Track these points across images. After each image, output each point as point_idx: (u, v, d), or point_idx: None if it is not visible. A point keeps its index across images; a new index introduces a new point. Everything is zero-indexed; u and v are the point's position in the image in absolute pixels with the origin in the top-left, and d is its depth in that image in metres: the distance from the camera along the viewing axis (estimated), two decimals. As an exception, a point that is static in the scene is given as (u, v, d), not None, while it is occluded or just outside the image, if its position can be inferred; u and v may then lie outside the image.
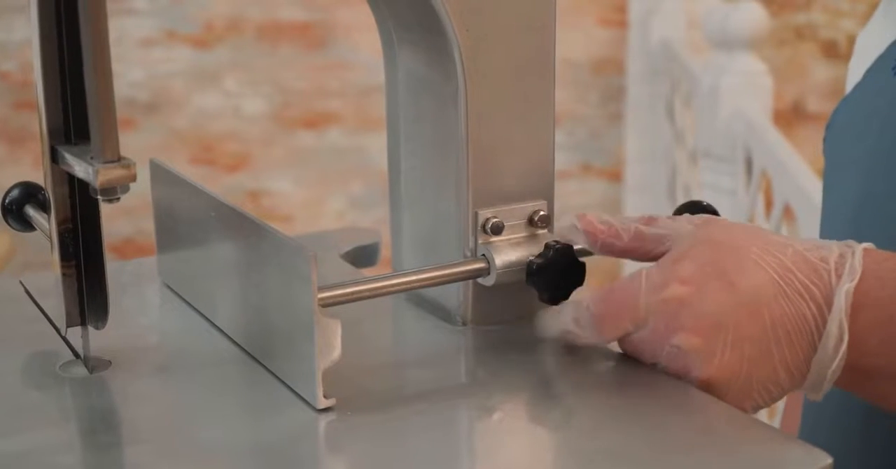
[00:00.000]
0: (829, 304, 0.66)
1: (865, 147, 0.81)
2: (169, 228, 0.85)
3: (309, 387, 0.66)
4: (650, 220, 0.71)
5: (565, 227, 0.73)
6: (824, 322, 0.66)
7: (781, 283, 0.66)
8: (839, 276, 0.66)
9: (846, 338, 0.65)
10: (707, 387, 0.67)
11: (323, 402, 0.65)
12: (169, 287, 0.86)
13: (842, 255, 0.66)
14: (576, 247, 0.73)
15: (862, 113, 0.83)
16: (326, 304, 0.67)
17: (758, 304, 0.66)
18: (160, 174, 0.84)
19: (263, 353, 0.72)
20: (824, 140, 0.88)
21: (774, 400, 0.69)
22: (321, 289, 0.66)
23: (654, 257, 0.70)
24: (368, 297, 0.71)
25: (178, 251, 0.84)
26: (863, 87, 0.84)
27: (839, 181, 0.85)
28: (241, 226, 0.72)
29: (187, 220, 0.81)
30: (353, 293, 0.70)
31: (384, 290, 0.72)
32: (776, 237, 0.68)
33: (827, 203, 0.86)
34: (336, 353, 0.65)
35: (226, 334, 0.77)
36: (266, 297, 0.70)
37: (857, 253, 0.66)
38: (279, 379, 0.69)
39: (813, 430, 0.85)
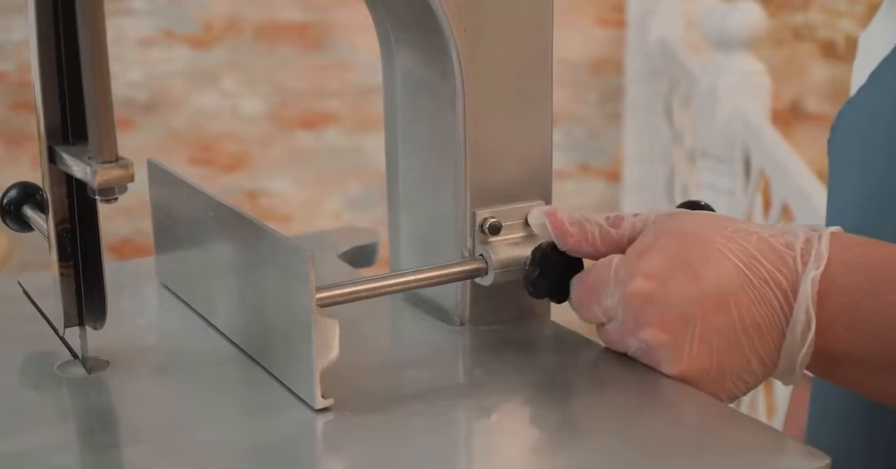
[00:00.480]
0: (796, 292, 0.65)
1: (872, 149, 0.81)
2: (167, 229, 0.84)
3: (307, 387, 0.66)
4: (616, 220, 0.71)
5: (537, 225, 0.74)
6: (791, 310, 0.66)
7: (747, 271, 0.66)
8: (805, 263, 0.66)
9: (813, 325, 0.65)
10: (679, 381, 0.67)
11: (321, 403, 0.65)
12: (167, 287, 0.86)
13: (808, 241, 0.66)
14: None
15: (867, 115, 0.83)
16: (324, 304, 0.67)
17: (724, 295, 0.66)
18: (158, 174, 0.84)
19: (261, 354, 0.72)
20: (829, 142, 0.88)
21: (750, 388, 0.69)
22: (319, 289, 0.66)
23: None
24: (366, 297, 0.71)
25: (176, 251, 0.84)
26: (867, 89, 0.84)
27: (844, 182, 0.85)
28: (238, 226, 0.72)
29: (185, 220, 0.81)
30: (350, 293, 0.70)
31: (382, 290, 0.72)
32: (742, 224, 0.68)
33: (832, 204, 0.86)
34: (334, 353, 0.65)
35: (224, 334, 0.77)
36: (264, 298, 0.70)
37: (824, 238, 0.66)
38: (277, 379, 0.69)
39: (817, 432, 0.85)
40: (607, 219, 0.71)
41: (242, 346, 0.74)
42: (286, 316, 0.67)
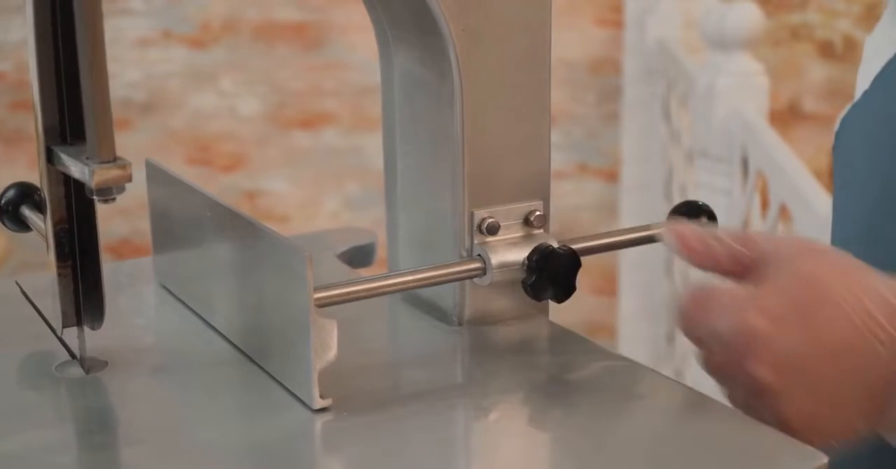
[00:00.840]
0: None
1: (877, 154, 0.81)
2: (165, 229, 0.84)
3: (305, 387, 0.66)
4: (746, 241, 0.70)
5: (667, 241, 0.72)
6: None
7: (862, 328, 0.64)
8: None
9: None
10: (784, 428, 0.65)
11: (319, 403, 0.65)
12: (165, 288, 0.86)
13: None
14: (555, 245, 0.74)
15: (873, 119, 0.83)
16: (323, 305, 0.67)
17: (834, 349, 0.64)
18: (156, 174, 0.84)
19: (260, 354, 0.72)
20: (833, 148, 0.88)
21: (849, 444, 0.67)
22: (317, 289, 0.66)
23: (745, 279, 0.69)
24: (365, 297, 0.71)
25: (174, 252, 0.84)
26: (871, 94, 0.84)
27: (850, 187, 0.85)
28: (236, 226, 0.72)
29: (183, 220, 0.81)
30: (348, 293, 0.69)
31: (380, 291, 0.72)
32: (865, 276, 0.67)
33: (837, 210, 0.86)
34: (332, 353, 0.65)
35: (222, 335, 0.77)
36: (262, 298, 0.70)
37: None
38: (276, 379, 0.69)
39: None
40: (736, 237, 0.70)
41: (241, 346, 0.74)
42: (284, 316, 0.67)
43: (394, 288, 0.72)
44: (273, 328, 0.69)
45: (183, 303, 0.83)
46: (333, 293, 0.69)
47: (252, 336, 0.73)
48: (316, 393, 0.65)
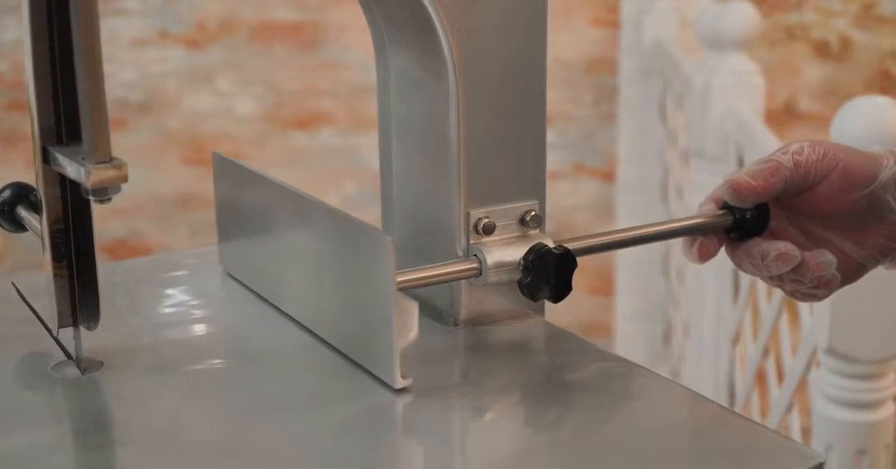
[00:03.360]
0: None
1: None
2: (232, 219, 0.86)
3: (386, 367, 0.68)
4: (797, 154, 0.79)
5: (731, 196, 0.79)
6: None
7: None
8: None
9: None
10: None
11: (401, 382, 0.67)
12: (231, 276, 0.87)
13: None
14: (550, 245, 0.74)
15: None
16: (403, 287, 0.69)
17: None
18: (223, 165, 0.85)
19: (336, 338, 0.73)
20: None
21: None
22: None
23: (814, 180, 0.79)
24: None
25: (241, 240, 0.85)
26: None
27: None
28: (313, 213, 0.73)
29: (252, 209, 0.82)
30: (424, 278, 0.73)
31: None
32: None
33: None
34: (413, 333, 0.67)
35: (293, 320, 0.78)
36: (341, 282, 0.72)
37: None
38: (353, 362, 0.71)
39: None
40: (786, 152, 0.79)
41: (315, 330, 0.75)
42: (365, 299, 0.69)
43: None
44: (352, 311, 0.70)
45: (250, 290, 0.84)
46: (411, 277, 0.71)
47: (328, 320, 0.74)
48: (398, 372, 0.67)
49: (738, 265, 0.80)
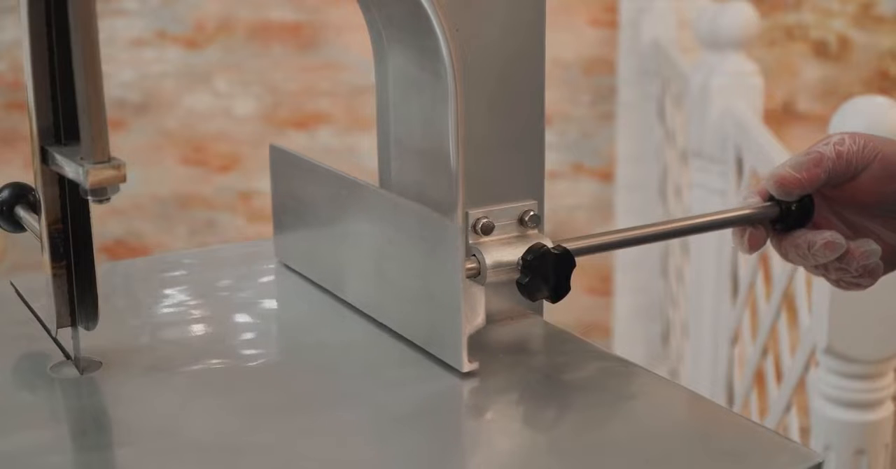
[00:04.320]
0: None
1: None
2: (288, 209, 0.87)
3: (454, 352, 0.69)
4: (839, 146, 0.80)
5: (777, 190, 0.81)
6: None
7: None
8: None
9: None
10: None
11: (468, 366, 0.69)
12: (287, 266, 0.88)
13: None
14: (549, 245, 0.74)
15: None
16: (470, 275, 0.70)
17: None
18: (280, 156, 0.87)
19: (401, 324, 0.75)
20: None
21: None
22: None
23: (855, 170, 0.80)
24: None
25: (299, 231, 0.86)
26: None
27: None
28: (377, 203, 0.74)
29: (310, 199, 0.83)
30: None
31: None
32: None
33: None
34: (480, 318, 0.69)
35: (354, 308, 0.79)
36: (406, 270, 0.73)
37: None
38: (417, 346, 0.72)
39: None
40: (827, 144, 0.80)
41: (378, 318, 0.77)
42: (432, 285, 0.70)
43: (389, 288, 0.72)
44: (418, 298, 0.71)
45: (307, 279, 0.85)
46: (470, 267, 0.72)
47: (392, 307, 0.75)
48: (465, 357, 0.68)
49: (784, 255, 0.83)
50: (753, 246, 0.82)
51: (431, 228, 0.70)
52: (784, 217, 0.82)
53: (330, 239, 0.81)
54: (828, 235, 0.80)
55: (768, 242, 0.83)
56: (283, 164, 0.87)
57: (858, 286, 0.83)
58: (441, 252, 0.69)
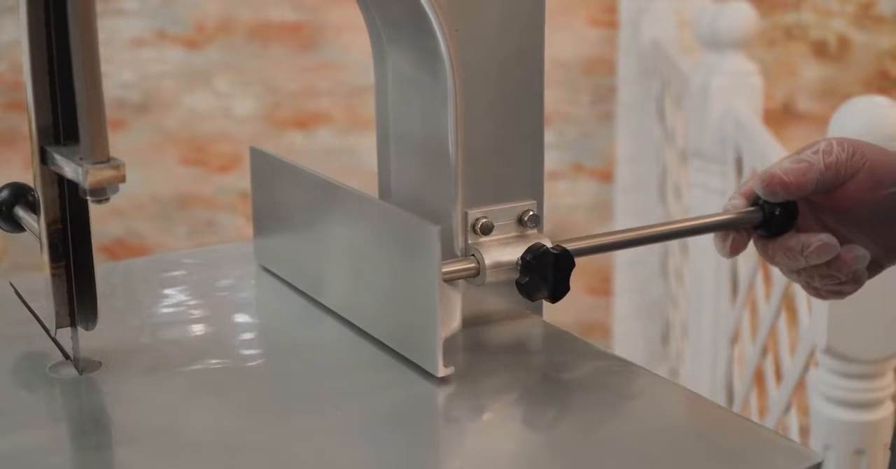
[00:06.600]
0: None
1: None
2: (267, 212, 0.87)
3: (429, 356, 0.68)
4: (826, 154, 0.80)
5: (763, 190, 0.80)
6: None
7: None
8: None
9: None
10: None
11: (443, 371, 0.68)
12: (266, 269, 0.87)
13: None
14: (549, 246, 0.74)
15: None
16: (448, 279, 0.70)
17: None
18: (259, 159, 0.86)
19: (377, 327, 0.74)
20: None
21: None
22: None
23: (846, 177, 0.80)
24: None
25: (278, 234, 0.86)
26: None
27: None
28: (355, 205, 0.74)
29: (289, 202, 0.83)
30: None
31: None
32: None
33: None
34: (456, 322, 0.69)
35: (331, 311, 0.79)
36: (383, 273, 0.72)
37: None
38: (392, 351, 0.71)
39: None
40: (816, 151, 0.80)
41: (355, 321, 0.76)
42: (408, 289, 0.69)
43: (388, 288, 0.72)
44: (395, 301, 0.71)
45: (286, 282, 0.85)
46: (456, 268, 0.72)
47: (369, 311, 0.74)
48: (440, 361, 0.67)
49: (770, 258, 0.82)
50: (735, 250, 0.82)
51: (410, 232, 0.69)
52: (767, 222, 0.81)
53: (308, 242, 0.81)
54: (823, 237, 0.79)
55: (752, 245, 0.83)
56: (264, 167, 0.87)
57: (839, 294, 0.83)
58: (419, 256, 0.68)
